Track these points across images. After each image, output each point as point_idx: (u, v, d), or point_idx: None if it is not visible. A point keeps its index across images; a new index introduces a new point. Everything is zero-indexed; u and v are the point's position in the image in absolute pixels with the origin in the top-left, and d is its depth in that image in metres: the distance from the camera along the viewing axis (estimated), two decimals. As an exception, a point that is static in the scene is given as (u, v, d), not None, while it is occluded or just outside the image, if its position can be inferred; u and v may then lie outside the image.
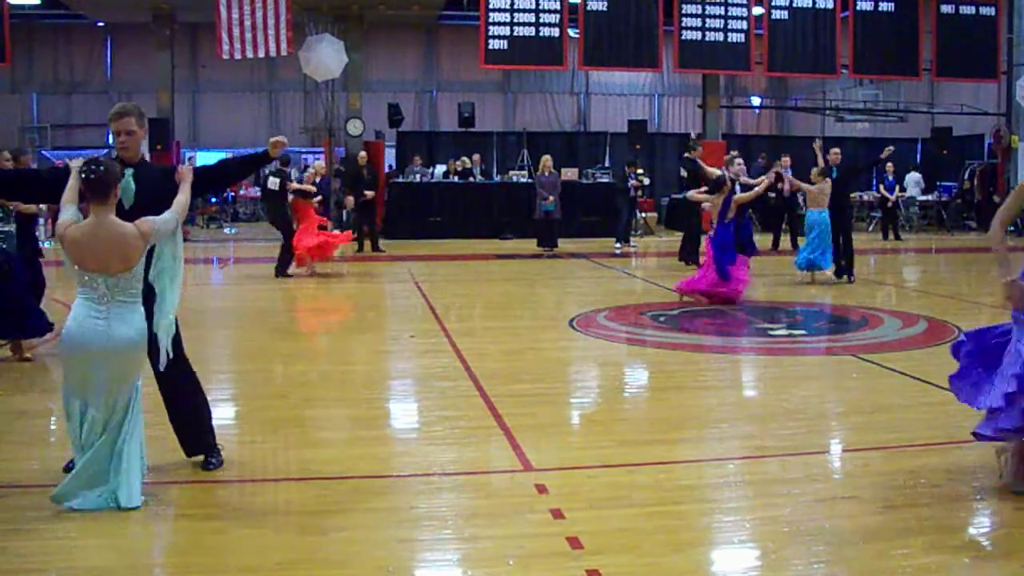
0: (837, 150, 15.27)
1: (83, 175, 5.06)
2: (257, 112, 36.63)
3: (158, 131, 23.04)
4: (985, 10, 24.90)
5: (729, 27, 23.78)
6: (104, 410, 5.13)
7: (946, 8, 24.63)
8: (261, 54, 21.94)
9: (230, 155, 5.25)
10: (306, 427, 7.08)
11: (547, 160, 20.13)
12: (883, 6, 24.29)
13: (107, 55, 35.78)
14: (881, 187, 23.51)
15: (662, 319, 11.67)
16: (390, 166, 27.16)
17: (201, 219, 29.31)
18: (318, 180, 20.01)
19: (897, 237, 23.38)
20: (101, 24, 32.99)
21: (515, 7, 22.65)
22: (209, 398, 7.95)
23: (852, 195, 26.32)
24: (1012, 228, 24.23)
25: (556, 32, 22.93)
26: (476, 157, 25.75)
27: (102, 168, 5.07)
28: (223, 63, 23.46)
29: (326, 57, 22.23)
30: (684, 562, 4.49)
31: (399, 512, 5.15)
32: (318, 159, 24.21)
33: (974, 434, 5.38)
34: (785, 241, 20.77)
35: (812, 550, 4.58)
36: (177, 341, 5.61)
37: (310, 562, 4.47)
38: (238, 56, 21.84)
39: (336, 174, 23.44)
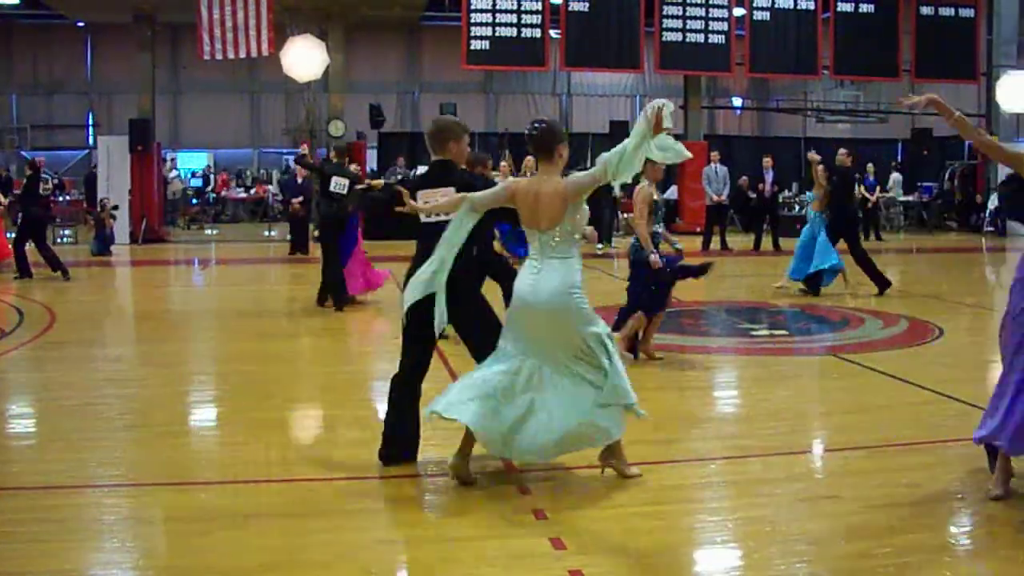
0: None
1: (527, 132, 5.42)
2: (239, 113, 36.54)
3: (139, 132, 22.93)
4: (964, 12, 25.06)
5: (710, 28, 23.85)
6: (548, 366, 5.28)
7: (926, 10, 24.77)
8: (243, 55, 21.86)
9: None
10: (290, 428, 7.08)
11: (530, 161, 20.09)
12: (863, 8, 24.41)
13: (87, 56, 35.61)
14: (862, 188, 23.62)
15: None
16: (371, 169, 27.12)
17: (182, 220, 29.21)
18: (300, 181, 20.02)
19: (878, 238, 23.48)
20: (81, 24, 32.85)
21: (497, 8, 22.65)
22: (192, 400, 8.00)
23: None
24: (991, 229, 24.54)
25: (538, 33, 22.95)
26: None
27: (543, 125, 5.42)
28: (204, 64, 23.39)
29: (307, 58, 22.18)
30: (666, 562, 4.50)
31: (382, 514, 5.15)
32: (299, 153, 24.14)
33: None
34: (768, 243, 20.83)
35: (794, 550, 4.60)
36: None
37: (293, 564, 4.46)
38: (219, 57, 21.76)
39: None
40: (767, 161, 20.79)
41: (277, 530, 4.86)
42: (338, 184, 12.07)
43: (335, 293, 12.21)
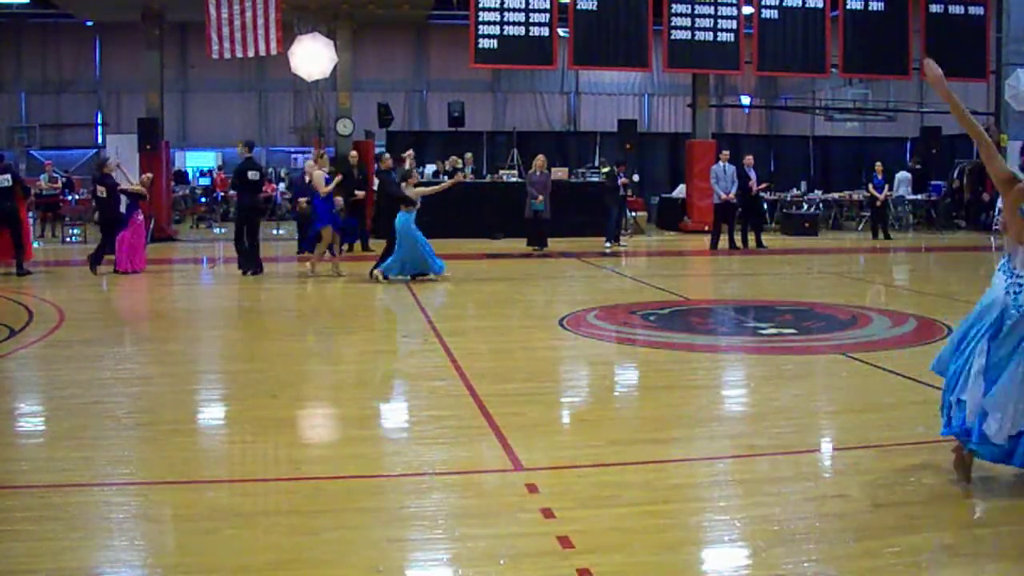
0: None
1: None
2: (247, 112, 36.61)
3: (147, 131, 22.97)
4: (974, 10, 25.00)
5: (719, 27, 23.83)
6: None
7: (935, 8, 24.71)
8: (251, 54, 21.90)
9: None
10: (296, 427, 7.08)
11: (541, 160, 20.13)
12: (873, 5, 24.36)
13: (96, 55, 35.72)
14: (870, 186, 23.59)
15: (652, 318, 11.67)
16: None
17: (190, 219, 29.25)
18: (308, 180, 19.97)
19: (887, 236, 23.44)
20: (90, 23, 32.91)
21: (505, 7, 22.64)
22: (199, 399, 8.01)
23: (842, 193, 26.70)
24: (997, 228, 24.42)
25: (546, 32, 22.94)
26: (468, 156, 25.75)
27: None
28: (213, 63, 23.41)
29: (316, 57, 22.20)
30: (674, 561, 4.50)
31: (389, 512, 5.15)
32: (308, 159, 24.13)
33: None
34: (771, 241, 20.81)
35: (802, 549, 4.59)
36: None
37: (300, 562, 4.46)
38: (228, 56, 21.80)
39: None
40: (748, 159, 20.84)
41: (285, 528, 4.86)
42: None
43: (105, 254, 16.36)
